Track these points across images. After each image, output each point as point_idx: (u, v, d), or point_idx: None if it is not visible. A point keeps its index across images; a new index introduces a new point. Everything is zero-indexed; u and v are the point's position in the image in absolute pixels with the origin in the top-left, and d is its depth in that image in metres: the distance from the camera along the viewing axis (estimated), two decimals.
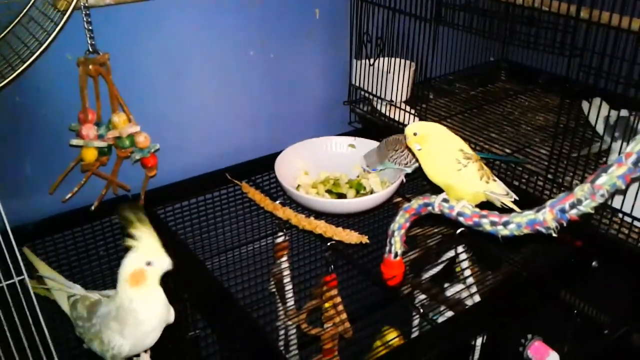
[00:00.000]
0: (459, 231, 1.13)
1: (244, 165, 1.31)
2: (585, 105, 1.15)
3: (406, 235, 0.97)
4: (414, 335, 1.35)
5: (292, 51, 1.35)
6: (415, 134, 0.92)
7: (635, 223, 0.95)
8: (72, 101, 1.05)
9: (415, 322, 1.36)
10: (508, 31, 1.29)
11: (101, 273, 1.16)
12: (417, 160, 0.96)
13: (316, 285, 1.26)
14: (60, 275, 0.90)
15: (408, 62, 1.29)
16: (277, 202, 1.17)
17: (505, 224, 0.79)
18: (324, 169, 1.26)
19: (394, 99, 1.32)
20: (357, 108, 1.43)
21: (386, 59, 1.33)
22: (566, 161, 1.03)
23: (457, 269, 1.23)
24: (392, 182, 1.17)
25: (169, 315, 0.81)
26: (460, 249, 1.22)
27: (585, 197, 0.71)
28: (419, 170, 1.11)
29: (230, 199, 1.26)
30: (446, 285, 1.20)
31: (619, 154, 0.70)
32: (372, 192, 1.19)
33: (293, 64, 1.36)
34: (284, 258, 1.28)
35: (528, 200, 0.92)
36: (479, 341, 1.11)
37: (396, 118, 1.33)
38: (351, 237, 1.08)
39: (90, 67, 1.01)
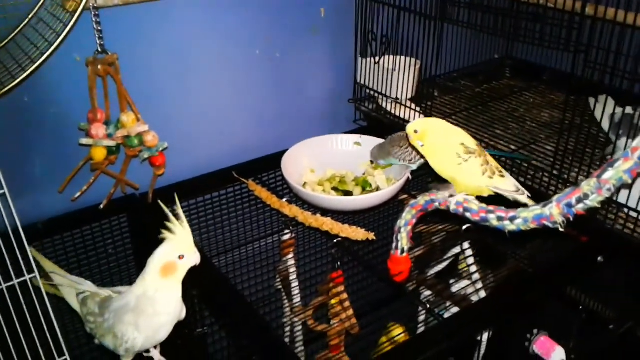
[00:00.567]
0: (465, 227, 1.14)
1: (250, 163, 1.32)
2: (592, 102, 1.15)
3: (412, 231, 0.98)
4: (419, 331, 1.36)
5: (298, 50, 1.35)
6: (416, 132, 0.94)
7: None
8: (80, 101, 1.07)
9: (421, 318, 1.37)
10: (513, 28, 1.30)
11: (109, 271, 1.17)
12: (421, 157, 0.97)
13: (323, 282, 1.26)
14: (67, 273, 0.92)
15: (413, 59, 1.29)
16: (284, 199, 1.18)
17: (512, 219, 0.80)
18: (330, 166, 1.27)
19: (399, 96, 1.33)
20: (362, 106, 1.44)
21: (391, 57, 1.33)
22: (572, 157, 1.03)
23: (463, 265, 1.24)
24: (398, 179, 1.18)
25: (182, 311, 0.83)
26: (466, 245, 1.22)
27: (591, 191, 0.72)
28: (424, 167, 1.12)
29: (237, 197, 1.27)
30: (452, 281, 1.20)
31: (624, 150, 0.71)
32: (378, 189, 1.20)
33: (298, 63, 1.37)
34: (290, 255, 1.29)
35: (534, 197, 0.93)
36: (485, 336, 1.12)
37: (401, 116, 1.34)
38: (357, 233, 1.09)
39: (99, 67, 1.02)
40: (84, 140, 1.04)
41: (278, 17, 1.29)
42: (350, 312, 1.20)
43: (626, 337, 1.19)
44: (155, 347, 0.87)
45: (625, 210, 0.97)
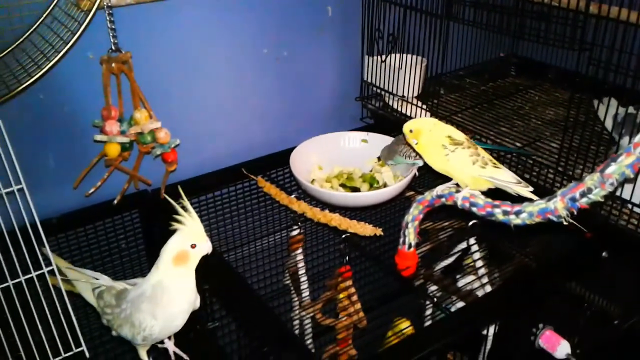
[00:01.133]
0: (471, 223, 1.15)
1: (259, 160, 1.34)
2: (595, 103, 1.16)
3: (419, 227, 1.00)
4: (426, 325, 1.38)
5: (305, 48, 1.37)
6: (411, 131, 0.99)
7: None
8: (93, 99, 1.09)
9: (428, 312, 1.39)
10: (518, 26, 1.31)
11: (122, 266, 1.20)
12: (417, 154, 1.01)
13: (331, 277, 1.28)
14: (83, 269, 0.94)
15: (419, 57, 1.31)
16: (292, 196, 1.20)
17: (517, 213, 0.82)
18: (337, 163, 1.29)
19: (405, 94, 1.34)
20: (369, 104, 1.46)
21: (398, 55, 1.35)
22: (576, 155, 1.05)
23: (469, 261, 1.25)
24: (405, 175, 1.19)
25: (196, 300, 0.85)
26: (472, 240, 1.24)
27: (595, 185, 0.73)
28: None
29: (246, 194, 1.29)
30: (458, 276, 1.22)
31: None
32: (385, 185, 1.22)
33: (306, 61, 1.39)
34: (299, 251, 1.31)
35: (539, 193, 0.94)
36: (491, 331, 1.13)
37: (408, 113, 1.36)
38: (365, 229, 1.10)
39: (113, 65, 1.04)
40: (98, 137, 1.07)
41: (285, 16, 1.31)
42: (358, 306, 1.22)
43: (631, 332, 1.21)
44: (169, 338, 0.90)
45: (629, 205, 0.98)
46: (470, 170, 0.93)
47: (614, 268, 1.11)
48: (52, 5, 0.98)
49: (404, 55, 1.32)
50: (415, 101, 1.34)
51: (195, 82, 1.23)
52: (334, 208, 1.19)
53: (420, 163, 1.19)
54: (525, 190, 0.93)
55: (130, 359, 1.05)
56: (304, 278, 1.31)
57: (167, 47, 1.17)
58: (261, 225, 1.33)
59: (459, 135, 0.98)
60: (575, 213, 0.76)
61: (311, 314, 1.29)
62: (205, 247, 0.81)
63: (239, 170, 1.27)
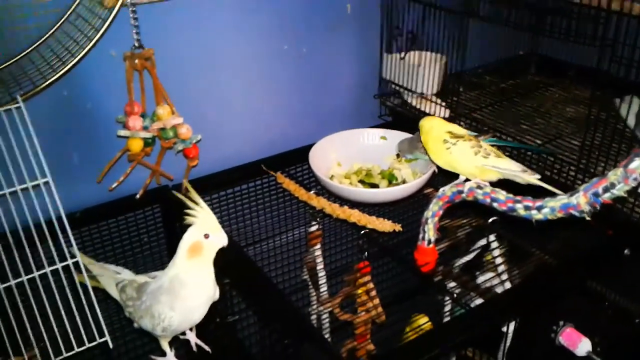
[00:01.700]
0: (491, 220, 1.15)
1: (278, 156, 1.35)
2: (617, 102, 1.16)
3: (439, 223, 1.00)
4: (445, 321, 1.38)
5: (324, 45, 1.38)
6: (420, 129, 1.03)
7: None
8: (115, 95, 1.10)
9: (447, 308, 1.38)
10: (538, 23, 1.30)
11: (143, 260, 1.21)
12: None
13: (349, 273, 1.29)
14: (106, 264, 0.96)
15: (439, 55, 1.31)
16: (311, 192, 1.21)
17: (539, 209, 0.82)
18: (356, 160, 1.29)
19: (424, 91, 1.34)
20: (387, 101, 1.46)
21: (417, 52, 1.35)
22: (598, 152, 1.04)
23: (489, 257, 1.25)
24: (424, 172, 1.19)
25: (215, 292, 0.86)
26: (492, 237, 1.23)
27: (618, 180, 0.73)
28: None
29: (266, 190, 1.30)
30: (477, 273, 1.21)
31: None
32: (404, 182, 1.22)
33: (325, 58, 1.39)
34: (318, 246, 1.31)
35: (560, 190, 0.94)
36: (510, 328, 1.13)
37: (427, 111, 1.35)
38: (384, 225, 1.11)
39: (136, 61, 1.06)
40: (122, 132, 1.08)
41: (305, 13, 1.32)
42: (377, 301, 1.22)
43: None
44: (191, 330, 0.91)
45: None
46: (473, 161, 0.95)
47: (636, 266, 1.10)
48: (76, 3, 1.00)
49: (423, 52, 1.32)
50: (434, 99, 1.34)
51: (216, 78, 1.24)
52: (352, 204, 1.20)
53: None
54: (533, 178, 0.92)
55: (150, 350, 1.07)
56: (322, 273, 1.32)
57: (189, 44, 1.18)
58: (280, 221, 1.34)
59: (459, 130, 1.00)
60: (598, 208, 0.76)
61: (329, 309, 1.30)
62: (219, 237, 0.82)
63: (259, 166, 1.28)
